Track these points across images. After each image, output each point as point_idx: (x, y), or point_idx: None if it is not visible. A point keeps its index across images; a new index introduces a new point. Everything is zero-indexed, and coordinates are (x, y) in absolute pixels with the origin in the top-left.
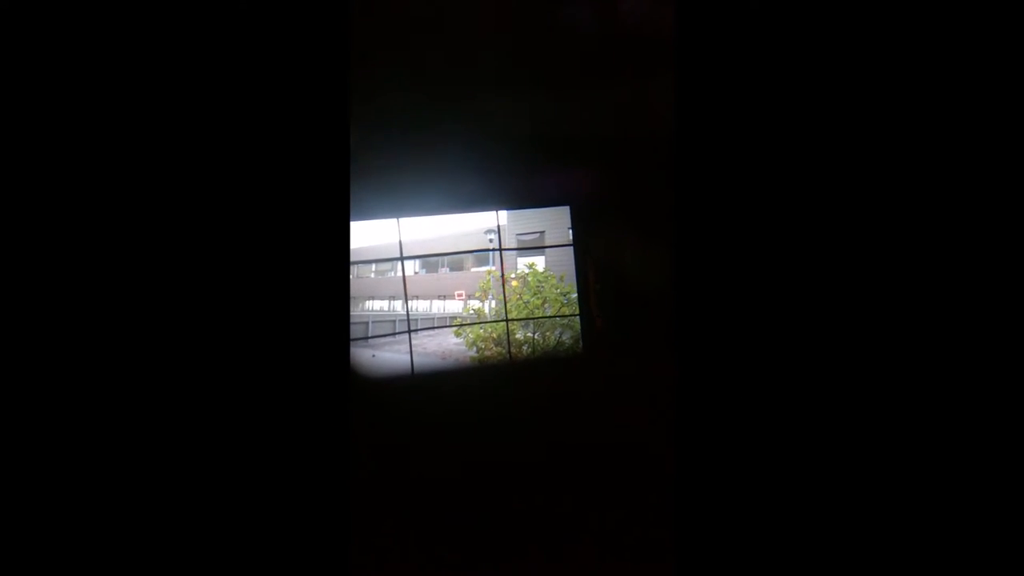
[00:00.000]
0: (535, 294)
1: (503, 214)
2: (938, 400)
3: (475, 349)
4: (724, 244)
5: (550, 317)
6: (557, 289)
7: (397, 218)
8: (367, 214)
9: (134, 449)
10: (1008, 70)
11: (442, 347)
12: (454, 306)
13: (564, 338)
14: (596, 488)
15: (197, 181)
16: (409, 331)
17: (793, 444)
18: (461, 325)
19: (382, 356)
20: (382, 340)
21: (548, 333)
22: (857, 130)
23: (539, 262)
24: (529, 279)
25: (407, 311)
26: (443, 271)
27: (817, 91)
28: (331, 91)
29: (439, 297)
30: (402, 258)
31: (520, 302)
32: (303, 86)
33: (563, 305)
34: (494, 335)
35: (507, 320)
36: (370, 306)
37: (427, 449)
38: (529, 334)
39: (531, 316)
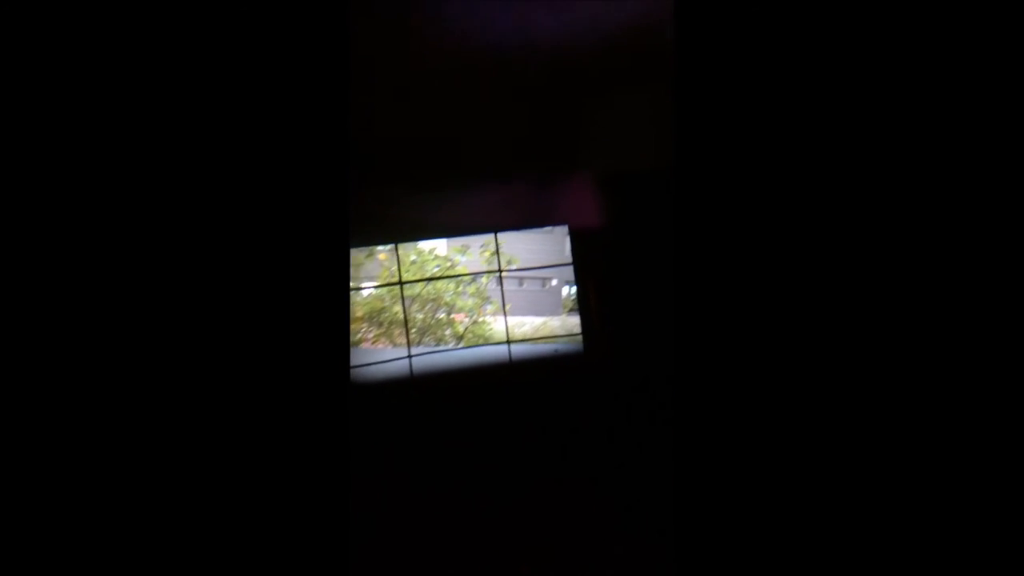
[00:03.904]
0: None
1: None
2: (938, 399)
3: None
4: (725, 250)
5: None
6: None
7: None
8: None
9: (134, 450)
10: (1008, 70)
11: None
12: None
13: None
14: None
15: (196, 183)
16: None
17: (792, 446)
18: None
19: None
20: None
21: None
22: (863, 134)
23: (440, 245)
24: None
25: None
26: None
27: (820, 96)
28: (330, 100)
29: None
30: None
31: (392, 277)
32: (303, 93)
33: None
34: (370, 312)
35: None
36: None
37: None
38: (416, 312)
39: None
